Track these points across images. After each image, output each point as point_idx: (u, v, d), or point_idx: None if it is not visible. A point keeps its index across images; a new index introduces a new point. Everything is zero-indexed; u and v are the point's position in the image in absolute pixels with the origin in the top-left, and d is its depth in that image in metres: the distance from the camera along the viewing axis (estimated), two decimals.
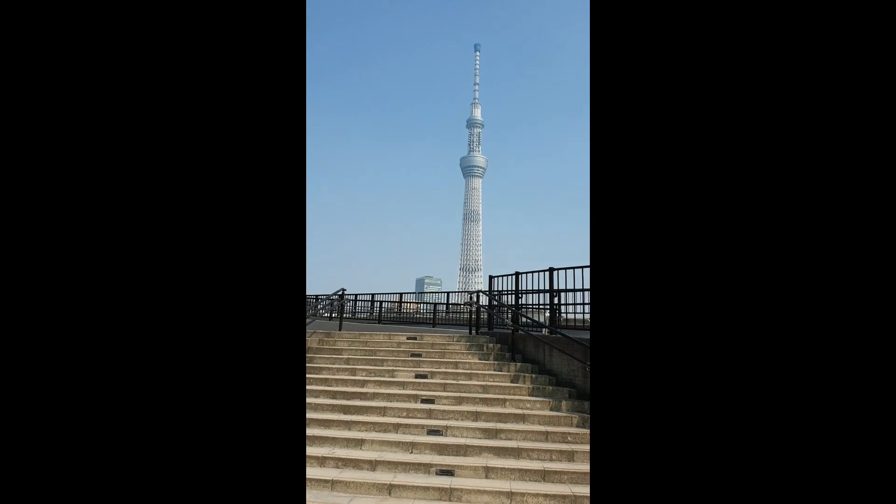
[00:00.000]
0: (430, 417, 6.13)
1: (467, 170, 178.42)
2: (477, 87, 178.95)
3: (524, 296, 8.36)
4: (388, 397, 6.62)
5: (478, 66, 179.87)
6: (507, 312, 8.32)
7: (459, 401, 6.47)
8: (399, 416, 6.17)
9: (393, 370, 7.42)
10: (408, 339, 8.65)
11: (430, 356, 7.98)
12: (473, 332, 8.98)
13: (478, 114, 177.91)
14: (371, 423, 5.88)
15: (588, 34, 1.52)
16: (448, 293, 18.27)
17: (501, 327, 9.04)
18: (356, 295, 19.47)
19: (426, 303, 17.14)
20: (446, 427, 5.77)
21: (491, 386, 6.80)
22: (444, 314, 16.35)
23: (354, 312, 18.95)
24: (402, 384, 6.97)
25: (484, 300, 9.10)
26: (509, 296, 8.62)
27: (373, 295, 18.70)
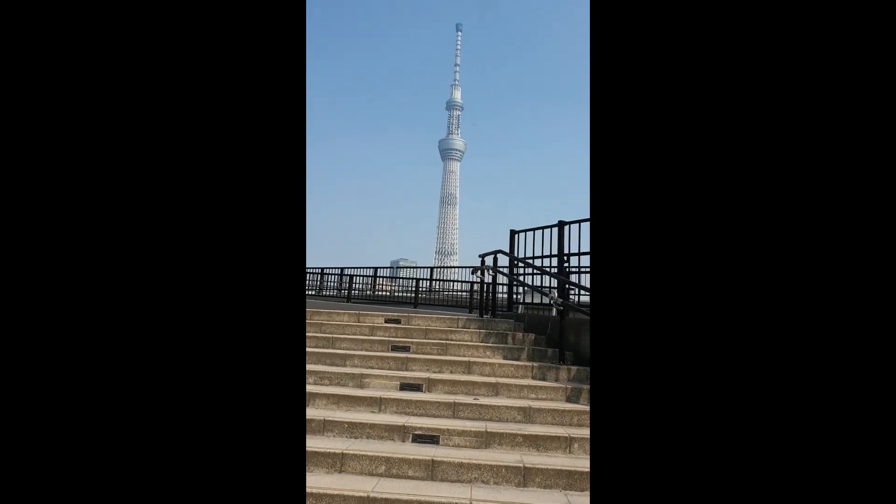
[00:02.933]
0: (431, 478, 3.10)
1: (445, 152, 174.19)
2: (458, 69, 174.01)
3: (571, 260, 5.36)
4: (352, 430, 3.54)
5: (459, 47, 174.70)
6: (548, 283, 5.31)
7: (486, 441, 3.46)
8: (372, 474, 3.11)
9: (362, 375, 4.33)
10: (387, 321, 5.57)
11: (424, 350, 4.92)
12: (487, 314, 5.94)
13: (458, 96, 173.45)
14: (312, 493, 2.81)
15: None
16: (431, 268, 15.28)
17: (530, 307, 6.05)
18: (322, 269, 16.34)
19: (407, 278, 14.02)
20: None
21: (537, 410, 3.80)
22: (427, 293, 13.32)
23: (320, 289, 15.86)
24: (378, 403, 3.90)
25: (489, 273, 6.06)
26: (546, 259, 5.60)
27: (342, 269, 15.56)
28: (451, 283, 13.51)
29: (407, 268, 16.18)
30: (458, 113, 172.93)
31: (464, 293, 12.38)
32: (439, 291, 13.70)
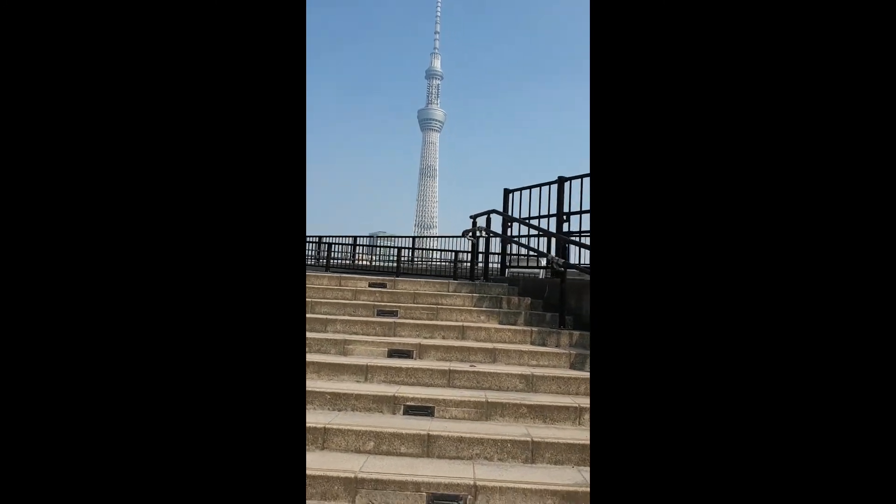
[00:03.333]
0: (427, 454, 2.73)
1: (425, 123, 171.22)
2: (437, 36, 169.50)
3: (572, 219, 4.97)
4: (335, 401, 3.14)
5: (439, 13, 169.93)
6: (545, 245, 4.92)
7: (486, 412, 3.10)
8: (359, 451, 2.73)
9: (346, 341, 3.91)
10: (371, 286, 5.14)
11: (413, 315, 4.52)
12: (479, 278, 5.55)
13: (437, 64, 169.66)
14: None
15: None
16: (413, 238, 14.86)
17: (522, 273, 5.68)
18: None
19: (388, 247, 13.55)
20: (474, 487, 2.40)
21: (540, 378, 3.46)
22: (408, 263, 12.86)
23: None
24: (364, 371, 3.49)
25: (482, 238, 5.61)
26: (545, 219, 5.21)
27: (320, 238, 14.96)
28: (436, 253, 13.07)
29: (388, 237, 15.70)
30: (438, 82, 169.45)
31: (446, 263, 12.01)
32: (422, 261, 13.27)
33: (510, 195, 5.65)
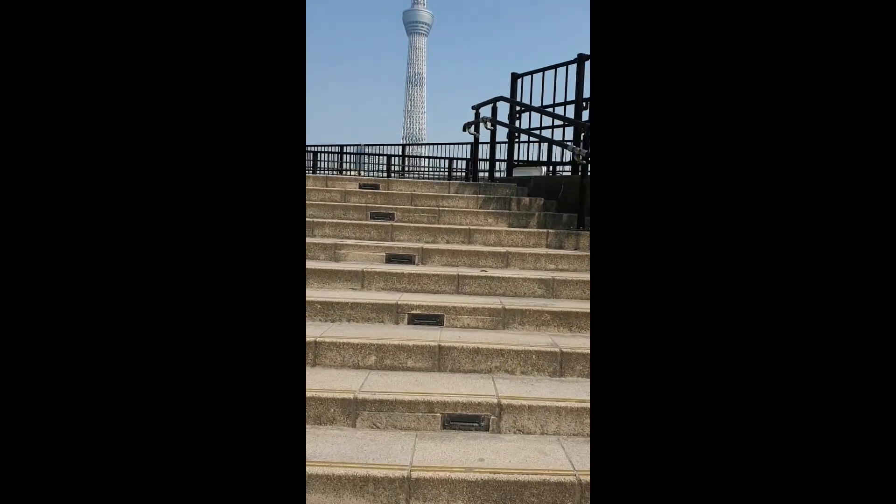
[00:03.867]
0: (438, 368, 2.34)
1: (411, 26, 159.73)
2: None
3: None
4: (327, 311, 2.69)
5: None
6: (562, 135, 4.30)
7: (503, 320, 2.68)
8: (359, 366, 2.33)
9: (336, 246, 3.41)
10: (362, 187, 4.54)
11: (412, 218, 4.00)
12: (484, 178, 4.97)
13: None
14: None
15: None
16: (404, 145, 14.03)
17: (534, 171, 5.09)
18: None
19: (377, 154, 12.74)
20: (497, 405, 2.02)
21: (562, 282, 3.02)
22: (399, 174, 12.12)
23: None
24: (360, 278, 3.02)
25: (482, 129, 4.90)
26: (560, 108, 4.52)
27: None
28: (428, 163, 12.28)
29: (376, 145, 14.78)
30: None
31: (440, 172, 11.34)
32: (411, 169, 12.53)
33: (519, 81, 4.90)
